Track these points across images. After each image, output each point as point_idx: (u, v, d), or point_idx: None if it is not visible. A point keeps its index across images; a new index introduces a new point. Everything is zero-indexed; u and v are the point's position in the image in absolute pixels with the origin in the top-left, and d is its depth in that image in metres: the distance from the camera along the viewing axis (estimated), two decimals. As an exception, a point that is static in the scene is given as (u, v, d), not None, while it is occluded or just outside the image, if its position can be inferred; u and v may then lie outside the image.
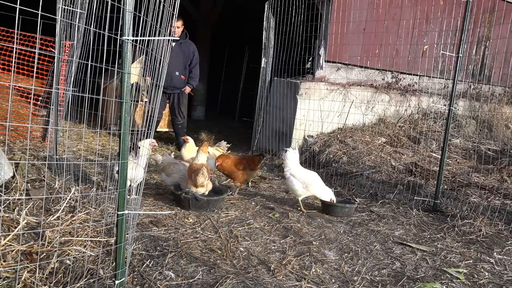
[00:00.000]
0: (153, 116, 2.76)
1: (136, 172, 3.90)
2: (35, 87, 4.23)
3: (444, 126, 5.15)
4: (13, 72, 4.66)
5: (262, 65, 7.27)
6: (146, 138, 3.72)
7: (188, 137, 5.60)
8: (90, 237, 3.01)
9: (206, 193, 4.28)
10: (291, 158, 4.56)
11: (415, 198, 4.89)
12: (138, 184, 3.66)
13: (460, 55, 4.60)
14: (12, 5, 1.95)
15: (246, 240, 3.52)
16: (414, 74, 8.12)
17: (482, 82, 9.08)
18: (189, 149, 5.44)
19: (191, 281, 2.72)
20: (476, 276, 3.19)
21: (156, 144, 5.27)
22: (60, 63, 4.55)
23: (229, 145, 5.72)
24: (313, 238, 3.72)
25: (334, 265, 3.20)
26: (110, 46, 2.61)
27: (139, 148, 3.87)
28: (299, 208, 4.55)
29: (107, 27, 2.42)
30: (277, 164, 6.59)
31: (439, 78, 8.15)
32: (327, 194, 4.48)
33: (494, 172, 5.67)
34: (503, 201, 4.78)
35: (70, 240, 2.92)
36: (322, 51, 7.20)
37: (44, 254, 2.71)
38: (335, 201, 4.47)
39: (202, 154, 4.39)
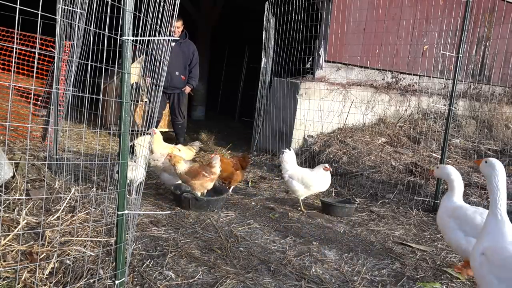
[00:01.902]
0: (153, 116, 2.76)
1: (136, 172, 3.90)
2: (35, 87, 4.22)
3: (444, 126, 5.15)
4: (13, 72, 4.66)
5: (262, 65, 7.27)
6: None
7: (155, 129, 5.06)
8: (90, 237, 3.01)
9: (205, 192, 4.30)
10: (289, 159, 4.57)
11: (415, 198, 4.89)
12: (138, 184, 3.66)
13: (460, 55, 4.60)
14: (12, 5, 1.95)
15: (246, 240, 3.52)
16: (414, 74, 8.12)
17: (482, 82, 9.08)
18: (157, 142, 4.98)
19: (191, 281, 2.72)
20: (476, 276, 3.19)
21: (156, 131, 5.03)
22: (60, 63, 4.55)
23: (202, 146, 5.63)
24: (313, 238, 3.72)
25: (334, 265, 3.20)
26: (110, 46, 2.61)
27: (134, 148, 3.87)
28: (299, 208, 4.55)
29: (107, 27, 2.42)
30: (277, 164, 6.59)
31: (439, 78, 8.14)
32: (325, 183, 4.51)
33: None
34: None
35: (70, 240, 2.92)
36: (322, 51, 7.20)
37: (44, 254, 2.71)
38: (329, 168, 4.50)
39: (182, 164, 4.27)
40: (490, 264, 2.30)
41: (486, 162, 2.56)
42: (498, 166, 2.49)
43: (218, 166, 4.29)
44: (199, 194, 4.21)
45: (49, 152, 4.74)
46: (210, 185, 4.29)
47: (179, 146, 5.44)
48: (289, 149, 4.66)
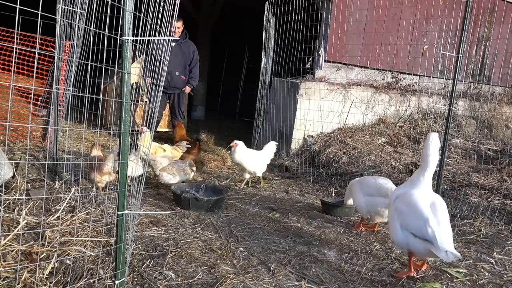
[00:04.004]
0: (153, 116, 2.76)
1: (135, 169, 3.91)
2: (35, 87, 4.23)
3: (444, 126, 5.15)
4: (13, 72, 4.66)
5: (262, 65, 7.28)
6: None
7: (144, 128, 4.88)
8: (90, 237, 3.01)
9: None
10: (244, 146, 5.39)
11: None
12: (138, 183, 3.67)
13: (460, 55, 4.60)
14: (12, 5, 1.95)
15: (246, 240, 3.52)
16: (414, 74, 8.12)
17: (482, 82, 9.08)
18: (145, 141, 4.86)
19: (191, 281, 2.72)
20: (476, 276, 3.19)
21: (146, 130, 4.87)
22: (60, 63, 4.56)
23: (189, 146, 5.69)
24: (313, 238, 3.72)
25: (334, 265, 3.20)
26: (110, 46, 2.61)
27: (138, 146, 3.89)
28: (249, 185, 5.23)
29: (107, 27, 2.43)
30: (277, 164, 6.59)
31: (439, 78, 8.14)
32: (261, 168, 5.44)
33: (494, 172, 5.67)
34: (503, 201, 4.78)
35: (70, 240, 2.92)
36: (322, 51, 7.20)
37: (44, 254, 2.71)
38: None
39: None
40: (399, 203, 3.09)
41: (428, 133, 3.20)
42: (433, 138, 3.05)
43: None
44: (102, 185, 4.11)
45: (49, 152, 4.74)
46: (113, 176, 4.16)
47: (165, 146, 5.43)
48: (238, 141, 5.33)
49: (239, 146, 5.32)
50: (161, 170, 4.63)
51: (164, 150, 5.24)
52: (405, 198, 3.07)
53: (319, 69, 7.24)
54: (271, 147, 5.60)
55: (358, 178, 4.35)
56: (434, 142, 3.07)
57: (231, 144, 5.35)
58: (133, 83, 6.30)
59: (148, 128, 4.13)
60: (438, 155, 3.12)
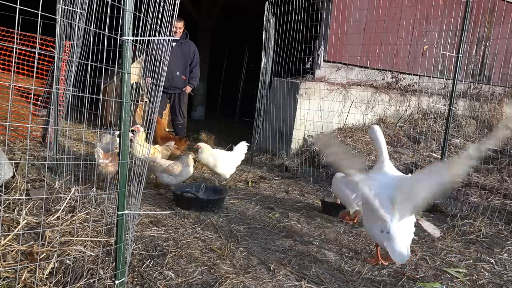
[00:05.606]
0: (153, 116, 2.76)
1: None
2: (35, 87, 4.23)
3: (444, 126, 5.15)
4: (13, 72, 4.66)
5: (262, 65, 7.27)
6: (147, 138, 3.71)
7: (139, 126, 4.76)
8: (90, 237, 3.01)
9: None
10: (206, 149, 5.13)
11: (415, 198, 4.88)
12: (138, 183, 3.67)
13: (460, 55, 4.60)
14: (12, 5, 1.95)
15: (246, 240, 3.52)
16: (414, 74, 8.12)
17: (482, 82, 9.08)
18: (140, 140, 4.70)
19: (191, 281, 2.72)
20: (476, 276, 3.19)
21: (141, 129, 4.84)
22: (60, 63, 4.56)
23: (176, 146, 5.70)
24: (313, 238, 3.72)
25: (334, 265, 3.20)
26: (110, 46, 2.61)
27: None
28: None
29: (107, 27, 2.43)
30: (277, 164, 6.59)
31: (439, 78, 8.14)
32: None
33: (494, 172, 5.67)
34: (503, 201, 4.78)
35: (70, 240, 2.92)
36: (322, 51, 7.20)
37: (44, 254, 2.71)
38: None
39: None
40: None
41: (369, 127, 3.59)
42: (377, 130, 3.41)
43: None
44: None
45: (49, 152, 4.74)
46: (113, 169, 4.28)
47: (157, 146, 5.46)
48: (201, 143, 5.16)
49: (204, 148, 5.05)
50: (162, 171, 4.62)
51: (159, 151, 5.25)
52: (366, 180, 3.13)
53: (319, 69, 7.23)
54: (241, 148, 5.42)
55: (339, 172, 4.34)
56: (378, 132, 3.39)
57: (195, 146, 5.13)
58: (133, 83, 6.29)
59: (148, 128, 4.12)
60: (384, 140, 3.41)
